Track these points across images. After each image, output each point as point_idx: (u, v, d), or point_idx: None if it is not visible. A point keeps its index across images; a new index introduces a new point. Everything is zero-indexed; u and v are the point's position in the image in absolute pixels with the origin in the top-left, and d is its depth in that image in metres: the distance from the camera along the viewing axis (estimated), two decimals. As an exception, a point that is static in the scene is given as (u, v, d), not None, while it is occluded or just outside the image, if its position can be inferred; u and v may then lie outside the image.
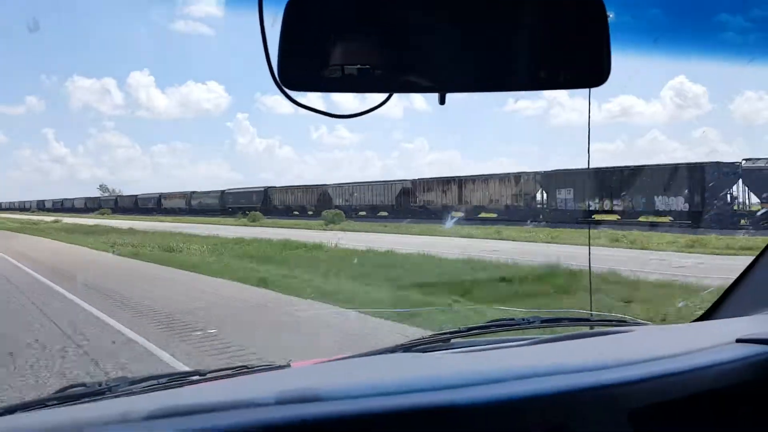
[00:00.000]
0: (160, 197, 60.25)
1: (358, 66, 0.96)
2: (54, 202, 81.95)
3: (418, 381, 1.29)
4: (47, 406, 1.38)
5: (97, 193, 80.00)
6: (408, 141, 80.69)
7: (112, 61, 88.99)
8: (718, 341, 1.47)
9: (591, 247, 11.02)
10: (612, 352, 1.53)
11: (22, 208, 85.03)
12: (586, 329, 1.95)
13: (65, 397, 1.43)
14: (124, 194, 71.88)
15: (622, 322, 1.99)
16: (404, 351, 1.69)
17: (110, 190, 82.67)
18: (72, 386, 1.50)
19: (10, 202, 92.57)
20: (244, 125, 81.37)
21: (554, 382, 1.24)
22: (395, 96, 1.05)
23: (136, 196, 65.55)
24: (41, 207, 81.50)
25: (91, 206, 70.70)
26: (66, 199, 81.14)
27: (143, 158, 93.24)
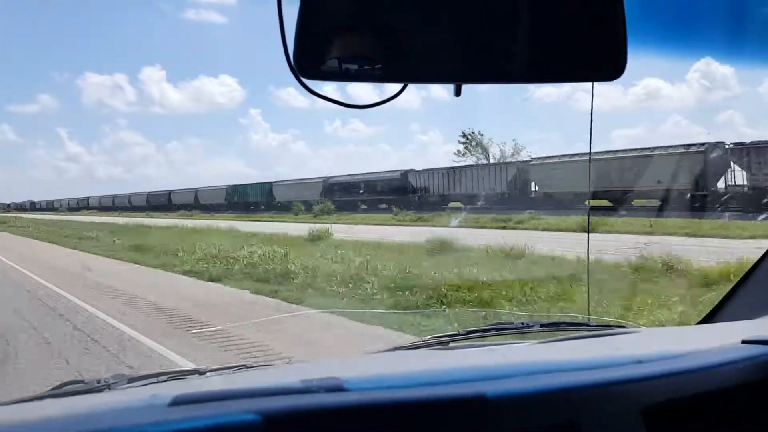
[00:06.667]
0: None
1: (375, 55, 0.96)
2: (85, 199, 75.27)
3: (437, 374, 1.28)
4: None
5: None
6: (423, 133, 78.99)
7: (123, 56, 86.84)
8: (723, 342, 1.47)
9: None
10: (622, 351, 1.52)
11: (50, 208, 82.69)
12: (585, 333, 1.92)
13: (64, 393, 1.41)
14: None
15: (620, 327, 1.98)
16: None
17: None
18: (69, 383, 1.49)
19: (27, 202, 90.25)
20: (257, 120, 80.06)
21: (569, 377, 1.23)
22: (411, 86, 1.05)
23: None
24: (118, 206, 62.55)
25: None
26: (134, 194, 64.83)
27: (157, 156, 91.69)
